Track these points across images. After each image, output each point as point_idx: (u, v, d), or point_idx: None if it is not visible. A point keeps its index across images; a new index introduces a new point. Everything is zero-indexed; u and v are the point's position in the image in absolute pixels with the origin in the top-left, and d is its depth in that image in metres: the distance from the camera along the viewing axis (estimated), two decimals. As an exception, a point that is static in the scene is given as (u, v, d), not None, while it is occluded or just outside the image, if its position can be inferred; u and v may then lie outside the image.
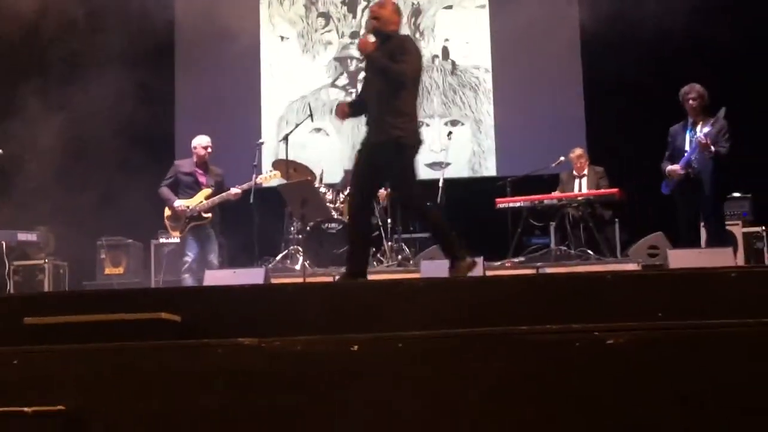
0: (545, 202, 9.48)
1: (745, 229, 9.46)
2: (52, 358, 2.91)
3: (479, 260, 7.27)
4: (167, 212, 8.70)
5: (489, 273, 7.78)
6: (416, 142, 5.99)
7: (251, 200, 9.29)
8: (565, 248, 9.21)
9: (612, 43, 10.50)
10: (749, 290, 3.98)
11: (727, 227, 9.11)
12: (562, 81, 11.59)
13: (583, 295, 4.14)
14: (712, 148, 7.64)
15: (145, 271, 10.24)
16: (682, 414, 2.54)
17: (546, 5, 11.08)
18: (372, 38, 5.93)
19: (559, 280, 5.03)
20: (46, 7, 9.37)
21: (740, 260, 8.80)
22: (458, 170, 11.54)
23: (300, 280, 7.82)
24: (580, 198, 9.47)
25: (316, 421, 2.69)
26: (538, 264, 8.66)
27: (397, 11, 6.18)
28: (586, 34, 11.22)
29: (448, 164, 10.52)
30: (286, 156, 9.44)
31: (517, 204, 9.48)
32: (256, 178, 8.98)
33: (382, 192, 9.60)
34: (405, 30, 12.02)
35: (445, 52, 12.08)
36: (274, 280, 7.61)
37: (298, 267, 8.84)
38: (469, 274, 5.83)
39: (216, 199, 8.62)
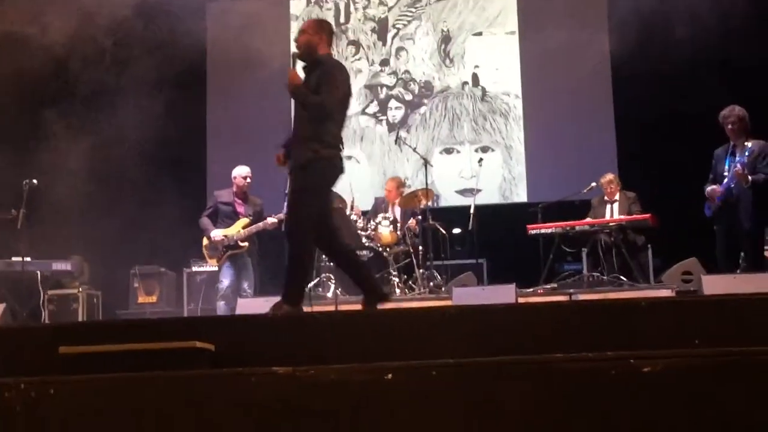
0: (577, 228, 9.43)
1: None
2: (87, 388, 2.92)
3: (511, 287, 7.24)
4: (205, 241, 8.77)
5: (521, 300, 7.74)
6: (331, 174, 5.84)
7: (283, 228, 9.30)
8: (598, 274, 9.14)
9: (643, 67, 10.48)
10: (787, 316, 3.94)
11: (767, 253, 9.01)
12: (593, 106, 11.56)
13: (618, 322, 4.11)
14: (750, 177, 7.54)
15: (179, 299, 10.29)
16: (720, 443, 2.51)
17: (575, 30, 11.07)
18: (298, 71, 5.77)
19: (593, 307, 4.99)
20: (77, 33, 9.49)
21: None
22: (489, 197, 11.52)
23: (332, 308, 7.82)
24: (612, 224, 9.41)
25: (350, 450, 2.68)
26: (571, 290, 8.60)
27: (321, 29, 5.95)
28: (616, 59, 11.20)
29: (479, 191, 10.52)
30: (318, 184, 9.45)
31: (549, 230, 9.43)
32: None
33: (413, 221, 9.62)
34: (435, 58, 12.11)
35: (475, 79, 12.10)
36: (306, 309, 7.61)
37: (330, 295, 8.84)
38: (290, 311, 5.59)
39: (253, 228, 8.67)
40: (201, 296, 9.85)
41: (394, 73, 12.31)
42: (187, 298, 10.12)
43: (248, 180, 8.84)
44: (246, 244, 8.66)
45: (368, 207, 10.29)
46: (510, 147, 11.89)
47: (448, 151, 12.02)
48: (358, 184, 11.46)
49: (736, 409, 2.53)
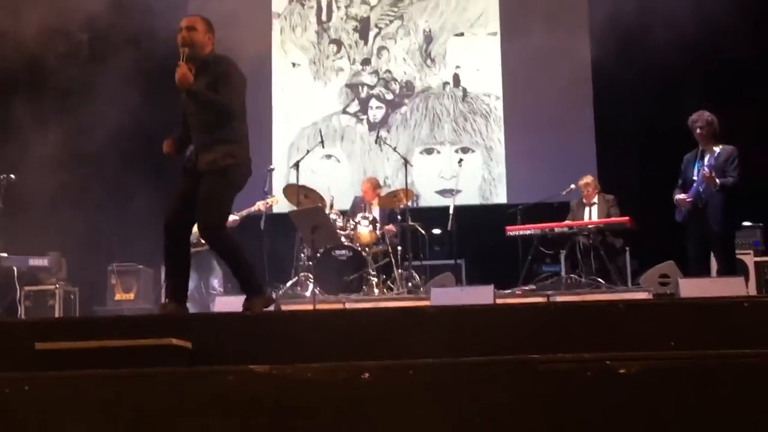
0: (556, 230, 9.46)
1: (757, 259, 9.42)
2: (62, 384, 2.91)
3: (489, 288, 7.27)
4: None
5: (499, 301, 7.76)
6: (245, 171, 5.65)
7: (262, 226, 9.33)
8: (576, 276, 9.18)
9: (623, 71, 10.55)
10: (762, 320, 3.97)
11: (739, 256, 9.08)
12: (573, 108, 11.61)
13: (595, 324, 4.13)
14: (717, 180, 7.57)
15: (156, 296, 10.25)
16: (695, 445, 2.53)
17: (557, 33, 11.12)
18: (187, 68, 5.44)
19: (571, 308, 5.02)
20: (52, 26, 9.45)
21: (752, 290, 8.75)
22: (469, 197, 11.55)
23: (310, 307, 7.82)
24: (590, 226, 9.45)
25: (326, 449, 2.68)
26: (549, 292, 8.63)
27: (210, 29, 5.70)
28: (596, 62, 11.27)
29: (458, 191, 10.54)
30: (297, 182, 9.47)
31: (528, 232, 9.46)
32: (260, 205, 9.03)
33: (391, 227, 9.63)
34: (416, 58, 12.12)
35: (456, 80, 12.13)
36: (284, 307, 7.60)
37: (308, 294, 8.83)
38: (266, 309, 5.49)
39: None
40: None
41: (376, 72, 12.31)
42: (164, 295, 10.06)
43: None
44: (206, 242, 8.60)
45: (348, 206, 10.28)
46: (490, 148, 11.92)
47: (429, 151, 12.04)
48: (338, 183, 11.50)
49: (712, 411, 2.55)
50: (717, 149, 7.74)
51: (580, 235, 9.40)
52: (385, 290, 9.07)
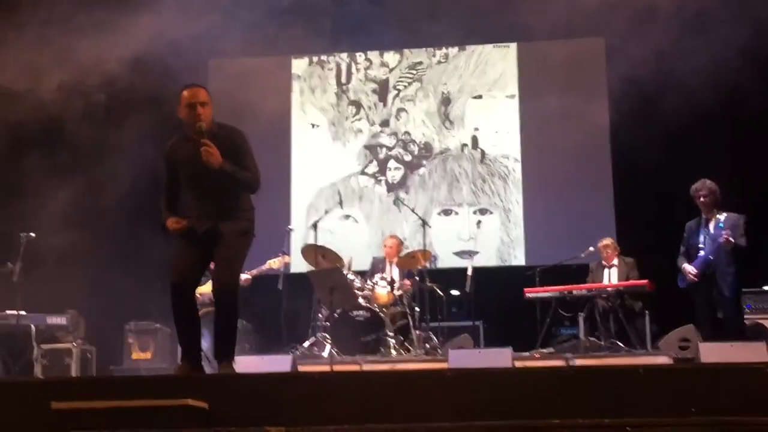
0: (574, 292, 9.41)
1: (777, 323, 9.34)
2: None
3: (507, 351, 7.21)
4: None
5: (518, 364, 7.69)
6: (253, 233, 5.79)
7: (280, 286, 9.34)
8: (595, 339, 9.10)
9: (641, 133, 10.58)
10: (784, 386, 3.91)
11: (758, 321, 9.05)
12: (592, 171, 11.61)
13: (615, 388, 4.08)
14: (732, 240, 7.68)
15: (173, 356, 10.21)
16: None
17: (575, 95, 11.18)
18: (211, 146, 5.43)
19: (590, 372, 4.96)
20: (73, 86, 9.57)
21: (773, 354, 8.65)
22: (487, 259, 11.52)
23: (327, 368, 7.77)
24: (609, 289, 9.40)
25: None
26: (568, 355, 8.55)
27: (211, 99, 5.70)
28: (615, 125, 11.31)
29: (476, 253, 10.52)
30: (315, 242, 9.49)
31: (546, 294, 9.40)
32: (270, 263, 9.10)
33: (406, 282, 9.61)
34: (435, 119, 12.21)
35: (475, 141, 12.18)
36: (301, 368, 7.57)
37: (325, 354, 8.79)
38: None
39: None
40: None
41: (394, 133, 12.39)
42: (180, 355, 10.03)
43: None
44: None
45: (366, 266, 10.27)
46: (508, 210, 11.92)
47: (447, 212, 12.05)
48: (356, 243, 11.51)
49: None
50: (722, 216, 7.88)
51: (599, 298, 9.34)
52: (402, 352, 9.01)
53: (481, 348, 9.34)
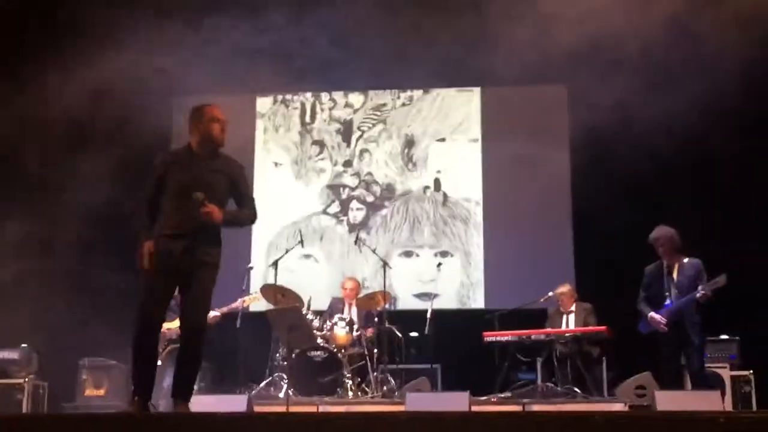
0: (533, 337, 9.43)
1: (733, 373, 9.43)
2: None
3: (464, 394, 7.20)
4: None
5: (475, 408, 7.67)
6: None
7: (238, 324, 9.27)
8: (552, 385, 9.11)
9: (602, 180, 10.69)
10: (738, 436, 3.94)
11: (715, 370, 9.13)
12: (552, 216, 11.69)
13: (571, 435, 4.08)
14: (709, 294, 7.76)
15: (128, 394, 10.06)
16: None
17: (537, 141, 11.28)
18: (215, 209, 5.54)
19: (547, 418, 4.96)
20: (33, 121, 9.51)
21: (728, 404, 8.73)
22: (447, 301, 11.53)
23: (283, 408, 7.70)
24: (567, 334, 9.44)
25: None
26: (525, 400, 8.54)
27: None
28: (576, 170, 11.43)
29: (436, 295, 10.54)
30: (275, 281, 9.45)
31: (505, 338, 9.42)
32: (241, 302, 9.04)
33: (370, 330, 9.60)
34: (398, 161, 12.26)
35: (437, 184, 12.23)
36: (257, 408, 7.49)
37: (281, 395, 8.72)
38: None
39: None
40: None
41: (357, 174, 12.41)
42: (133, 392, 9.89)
43: None
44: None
45: (325, 306, 10.23)
46: (469, 253, 11.95)
47: (408, 254, 12.05)
48: (316, 283, 11.47)
49: None
50: (685, 261, 7.95)
51: (557, 343, 9.38)
52: (359, 393, 8.97)
53: (439, 391, 9.32)
